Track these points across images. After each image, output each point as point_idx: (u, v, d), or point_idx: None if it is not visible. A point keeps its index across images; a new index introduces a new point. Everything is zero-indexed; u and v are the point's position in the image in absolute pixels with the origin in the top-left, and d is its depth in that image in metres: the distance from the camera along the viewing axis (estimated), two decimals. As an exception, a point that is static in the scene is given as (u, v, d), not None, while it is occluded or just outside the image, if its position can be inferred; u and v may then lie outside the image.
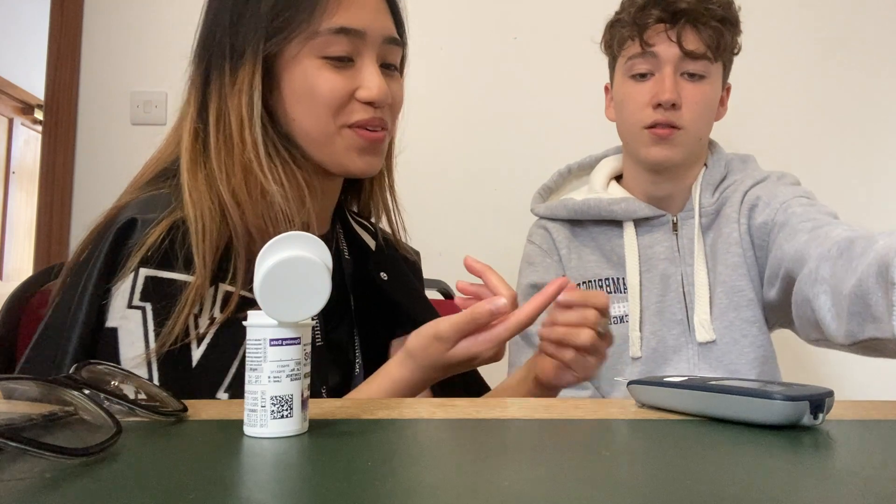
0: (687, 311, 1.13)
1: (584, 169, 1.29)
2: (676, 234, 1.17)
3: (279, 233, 0.72)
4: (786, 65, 1.77)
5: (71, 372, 0.48)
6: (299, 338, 0.47)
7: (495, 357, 0.71)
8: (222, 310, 0.71)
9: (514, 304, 0.71)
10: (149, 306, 0.69)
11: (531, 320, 0.70)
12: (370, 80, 0.78)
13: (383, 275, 0.90)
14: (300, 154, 0.80)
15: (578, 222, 1.22)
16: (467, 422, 0.51)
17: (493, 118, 1.79)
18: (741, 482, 0.35)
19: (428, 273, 1.03)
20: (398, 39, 0.82)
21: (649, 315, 1.14)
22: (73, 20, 1.87)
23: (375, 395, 0.72)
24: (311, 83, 0.77)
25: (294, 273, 0.46)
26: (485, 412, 0.55)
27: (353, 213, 0.94)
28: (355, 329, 0.88)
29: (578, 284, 1.18)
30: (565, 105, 1.77)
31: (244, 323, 0.47)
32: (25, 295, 0.96)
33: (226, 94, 0.77)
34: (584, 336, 0.75)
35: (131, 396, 0.51)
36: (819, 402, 0.48)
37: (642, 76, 1.12)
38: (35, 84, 4.08)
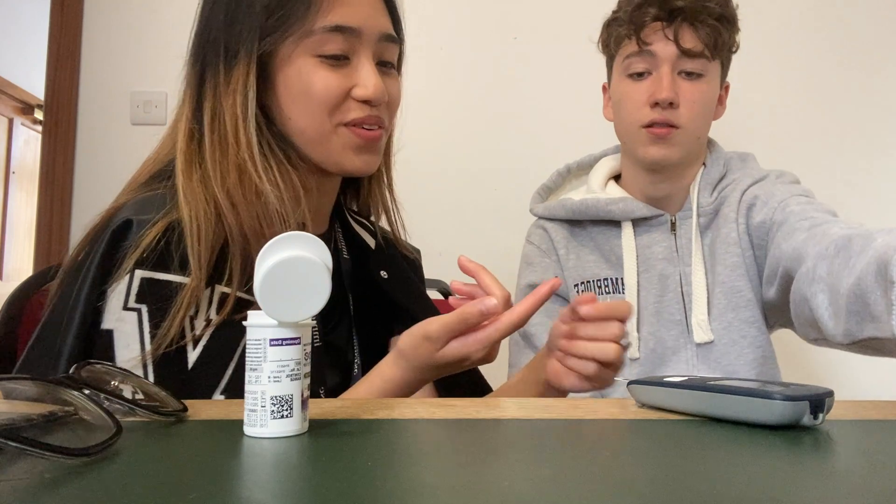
0: (685, 312, 1.12)
1: (584, 168, 1.29)
2: (675, 234, 1.16)
3: (274, 233, 0.71)
4: (785, 63, 1.77)
5: (71, 372, 0.48)
6: (299, 338, 0.47)
7: (487, 358, 0.71)
8: (218, 311, 0.71)
9: (507, 305, 0.71)
10: (144, 308, 0.69)
11: (523, 321, 0.69)
12: (366, 79, 0.77)
13: (383, 273, 0.90)
14: (296, 154, 0.79)
15: (577, 222, 1.21)
16: (467, 422, 0.51)
17: (494, 118, 1.79)
18: (741, 482, 0.35)
19: (428, 273, 1.03)
20: (395, 37, 0.82)
21: (647, 316, 1.14)
22: (73, 20, 1.87)
23: (367, 395, 0.72)
24: (306, 82, 0.76)
25: (294, 273, 0.46)
26: (485, 412, 0.55)
27: (352, 211, 0.94)
28: (354, 329, 0.87)
29: (577, 285, 1.18)
30: (566, 105, 1.77)
31: (244, 323, 0.47)
32: (25, 295, 0.96)
33: (220, 94, 0.76)
34: (610, 351, 0.74)
35: (131, 396, 0.51)
36: (819, 402, 0.48)
37: (639, 75, 1.11)
38: (35, 84, 4.08)
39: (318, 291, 0.47)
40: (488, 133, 1.79)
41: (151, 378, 0.67)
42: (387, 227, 0.95)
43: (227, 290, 0.72)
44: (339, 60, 0.77)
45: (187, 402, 0.53)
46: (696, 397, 0.53)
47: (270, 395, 0.45)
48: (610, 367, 0.76)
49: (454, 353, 0.68)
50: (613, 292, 1.16)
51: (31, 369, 0.68)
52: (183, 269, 0.70)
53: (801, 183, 1.14)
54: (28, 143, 4.51)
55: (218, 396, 0.69)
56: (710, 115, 1.14)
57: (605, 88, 1.22)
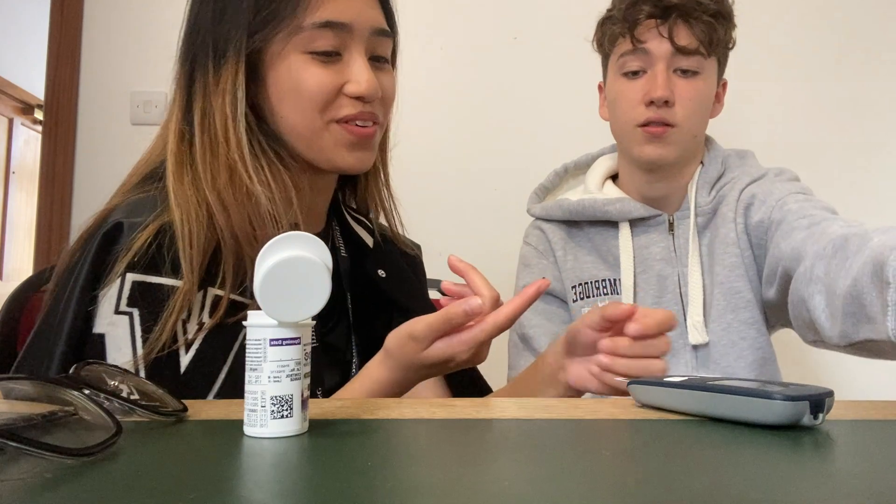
0: (684, 313, 1.11)
1: (581, 168, 1.27)
2: (673, 235, 1.15)
3: (266, 235, 0.72)
4: (784, 60, 1.77)
5: (71, 372, 0.48)
6: (299, 338, 0.47)
7: (474, 360, 0.70)
8: (211, 314, 0.71)
9: (496, 306, 0.69)
10: (136, 312, 0.68)
11: (510, 323, 0.68)
12: (358, 75, 0.76)
13: (381, 272, 0.89)
14: (288, 153, 0.78)
15: (575, 223, 1.20)
16: (467, 422, 0.51)
17: (494, 118, 1.79)
18: (741, 482, 0.35)
19: (428, 273, 1.02)
20: (387, 31, 0.81)
21: None
22: (73, 20, 1.87)
23: (355, 394, 0.71)
24: (296, 79, 0.75)
25: (294, 273, 0.46)
26: (485, 412, 0.55)
27: (350, 209, 0.93)
28: (352, 329, 0.87)
29: (574, 286, 1.17)
30: (566, 105, 1.77)
31: (244, 323, 0.47)
32: (25, 295, 0.96)
33: (210, 94, 0.76)
34: (656, 370, 0.70)
35: (131, 396, 0.51)
36: (819, 402, 0.48)
37: (634, 74, 1.10)
38: (35, 84, 4.08)
39: (318, 291, 0.47)
40: (488, 133, 1.79)
41: None
42: (385, 224, 0.94)
43: (219, 292, 0.71)
44: (330, 57, 0.76)
45: (187, 402, 0.53)
46: (696, 397, 0.53)
47: (270, 395, 0.45)
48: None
49: (439, 353, 0.67)
50: (611, 293, 1.15)
51: (25, 373, 0.68)
52: (175, 272, 0.69)
53: (801, 181, 1.13)
54: (28, 143, 4.51)
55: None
56: (707, 112, 1.13)
57: (600, 88, 1.21)
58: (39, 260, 1.85)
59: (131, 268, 0.69)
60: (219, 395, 0.69)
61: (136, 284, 0.69)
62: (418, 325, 0.67)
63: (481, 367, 0.94)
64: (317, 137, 0.77)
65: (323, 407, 0.57)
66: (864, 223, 0.87)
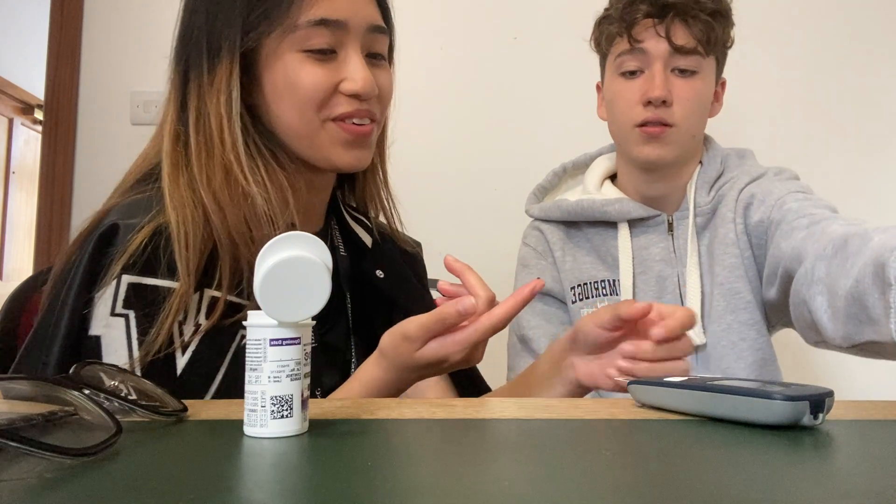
0: None
1: (580, 168, 1.27)
2: (672, 235, 1.14)
3: (262, 236, 0.71)
4: (784, 59, 1.77)
5: (71, 372, 0.48)
6: (299, 338, 0.47)
7: (468, 361, 0.69)
8: (208, 316, 0.70)
9: (491, 306, 0.68)
10: (132, 314, 0.68)
11: (504, 323, 0.67)
12: (355, 72, 0.76)
13: (379, 273, 0.89)
14: (285, 152, 0.78)
15: (573, 223, 1.20)
16: (467, 422, 0.51)
17: (494, 118, 1.79)
18: (741, 482, 0.35)
19: (428, 273, 1.02)
20: (383, 27, 0.80)
21: None
22: (73, 20, 1.87)
23: (351, 395, 0.71)
24: (292, 78, 0.75)
25: (294, 273, 0.46)
26: (485, 412, 0.55)
27: (350, 207, 0.93)
28: (352, 329, 0.87)
29: (573, 287, 1.16)
30: (566, 105, 1.77)
31: (244, 323, 0.47)
32: (25, 295, 0.96)
33: (204, 94, 0.75)
34: (681, 371, 0.68)
35: (131, 396, 0.51)
36: (819, 402, 0.48)
37: (632, 73, 1.09)
38: (35, 84, 4.08)
39: (318, 291, 0.47)
40: (488, 133, 1.79)
41: None
42: (384, 223, 0.94)
43: (216, 294, 0.71)
44: (325, 55, 0.75)
45: (187, 402, 0.53)
46: (696, 397, 0.53)
47: (270, 395, 0.45)
48: None
49: (432, 353, 0.66)
50: (610, 294, 1.14)
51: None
52: (171, 273, 0.69)
53: (800, 179, 1.12)
54: (28, 143, 4.51)
55: None
56: (706, 112, 1.13)
57: (598, 87, 1.21)
58: (39, 260, 1.85)
59: (127, 269, 0.68)
60: (216, 398, 0.69)
61: (131, 286, 0.68)
62: (411, 324, 0.67)
63: (481, 368, 0.94)
64: (313, 136, 0.77)
65: (323, 407, 0.57)
66: (864, 221, 0.86)
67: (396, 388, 0.70)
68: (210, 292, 0.71)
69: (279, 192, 0.75)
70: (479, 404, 0.59)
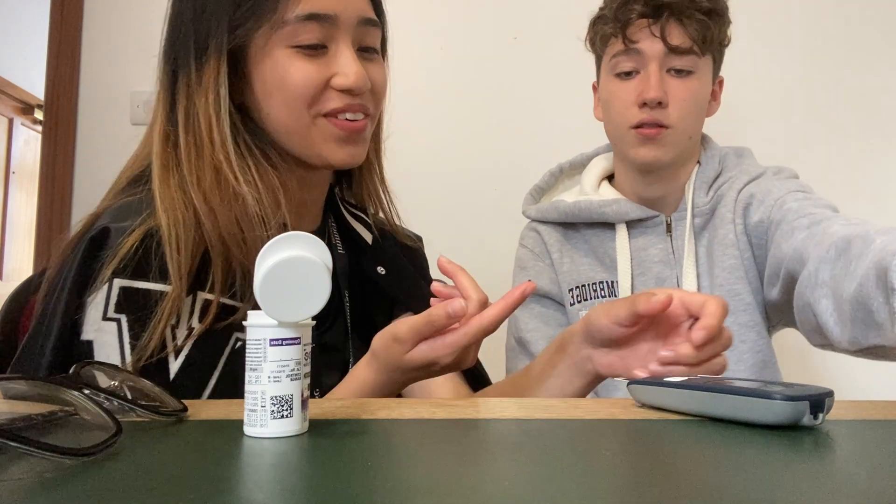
0: None
1: (576, 168, 1.26)
2: (670, 236, 1.13)
3: (254, 237, 0.71)
4: (781, 56, 1.77)
5: (71, 372, 0.48)
6: (299, 338, 0.47)
7: (459, 364, 0.67)
8: (201, 319, 0.70)
9: (483, 308, 0.67)
10: (124, 318, 0.68)
11: (494, 326, 0.66)
12: (346, 67, 0.74)
13: (380, 269, 0.88)
14: (277, 151, 0.77)
15: (570, 225, 1.19)
16: (467, 422, 0.51)
17: (494, 118, 1.79)
18: (741, 482, 0.35)
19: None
20: (375, 20, 0.79)
21: None
22: (73, 20, 1.87)
23: (344, 395, 0.71)
24: (282, 74, 0.74)
25: (294, 273, 0.46)
26: (485, 412, 0.55)
27: (349, 204, 0.92)
28: (350, 328, 0.86)
29: (571, 289, 1.15)
30: (566, 105, 1.76)
31: (244, 323, 0.47)
32: (25, 295, 0.96)
33: (193, 93, 0.74)
34: (720, 368, 0.66)
35: (131, 396, 0.51)
36: (819, 402, 0.48)
37: (627, 74, 1.08)
38: (35, 84, 4.08)
39: (318, 291, 0.47)
40: (488, 133, 1.79)
41: None
42: (383, 218, 0.93)
43: (209, 296, 0.70)
44: (316, 50, 0.74)
45: (187, 402, 0.53)
46: (696, 397, 0.53)
47: (270, 395, 0.45)
48: None
49: (422, 355, 0.65)
50: (609, 296, 1.13)
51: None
52: (163, 277, 0.68)
53: (800, 178, 1.11)
54: (28, 143, 4.51)
55: None
56: (702, 112, 1.11)
57: (594, 88, 1.19)
58: (39, 260, 1.86)
59: (118, 273, 0.68)
60: None
61: (123, 290, 0.68)
62: (402, 326, 0.65)
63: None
64: (305, 133, 0.76)
65: (323, 407, 0.57)
66: (865, 221, 0.85)
67: (388, 389, 0.69)
68: (203, 295, 0.71)
69: (270, 192, 0.74)
70: (479, 404, 0.59)
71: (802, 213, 0.96)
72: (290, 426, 0.46)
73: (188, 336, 0.69)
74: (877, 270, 0.67)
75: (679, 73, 1.06)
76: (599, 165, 1.21)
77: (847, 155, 1.75)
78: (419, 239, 0.99)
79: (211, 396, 0.69)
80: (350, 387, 0.70)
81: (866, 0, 1.77)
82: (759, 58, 1.74)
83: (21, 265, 4.35)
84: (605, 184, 1.20)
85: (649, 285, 1.12)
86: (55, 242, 0.77)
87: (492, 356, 0.96)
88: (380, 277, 0.88)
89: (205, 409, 0.55)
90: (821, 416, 0.48)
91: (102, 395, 0.47)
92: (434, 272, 1.11)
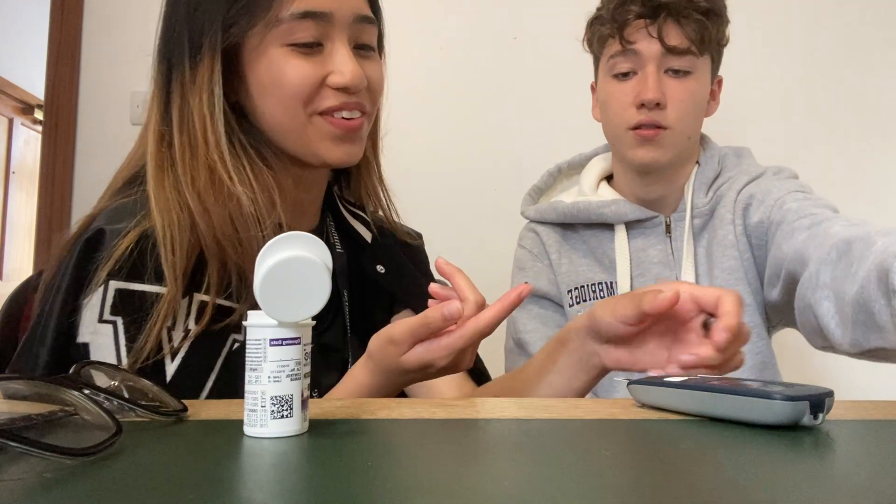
0: None
1: (575, 168, 1.25)
2: (670, 237, 1.13)
3: (249, 237, 0.71)
4: (781, 55, 1.77)
5: (71, 372, 0.48)
6: (299, 338, 0.47)
7: (455, 367, 0.66)
8: (197, 321, 0.69)
9: (480, 310, 0.65)
10: (120, 320, 0.67)
11: (490, 329, 0.65)
12: (342, 65, 0.74)
13: (380, 268, 0.88)
14: (273, 150, 0.77)
15: (569, 225, 1.18)
16: (467, 422, 0.51)
17: (494, 118, 1.79)
18: (741, 482, 0.35)
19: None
20: (371, 17, 0.78)
21: None
22: (73, 20, 1.87)
23: (342, 397, 0.70)
24: (277, 73, 0.73)
25: (294, 273, 0.46)
26: (485, 412, 0.55)
27: (347, 202, 0.92)
28: (349, 327, 0.86)
29: (570, 290, 1.15)
30: (566, 105, 1.76)
31: (244, 323, 0.47)
32: (25, 295, 0.96)
33: (187, 93, 0.73)
34: (738, 365, 0.65)
35: (131, 396, 0.51)
36: (819, 402, 0.48)
37: (625, 75, 1.07)
38: (35, 84, 4.08)
39: (318, 291, 0.47)
40: (489, 133, 1.79)
41: None
42: (382, 216, 0.93)
43: (205, 298, 0.70)
44: (311, 48, 0.73)
45: (187, 402, 0.53)
46: (696, 397, 0.53)
47: (270, 395, 0.45)
48: None
49: (418, 358, 0.64)
50: (608, 297, 1.13)
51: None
52: (158, 278, 0.68)
53: (799, 178, 1.11)
54: (28, 143, 4.51)
55: None
56: (701, 113, 1.11)
57: (593, 88, 1.19)
58: (39, 260, 1.86)
59: (113, 275, 0.67)
60: None
61: (118, 292, 0.68)
62: (397, 328, 0.65)
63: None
64: (301, 132, 0.75)
65: (323, 407, 0.57)
66: (866, 222, 0.85)
67: (385, 391, 0.69)
68: (199, 296, 0.70)
69: (265, 192, 0.73)
70: (479, 404, 0.59)
71: (803, 213, 0.95)
72: (290, 426, 0.46)
73: (185, 338, 0.69)
74: (878, 272, 0.67)
75: (677, 73, 1.06)
76: (598, 166, 1.21)
77: (847, 155, 1.75)
78: (419, 236, 0.99)
79: (208, 398, 0.69)
80: (347, 388, 0.70)
81: (866, 0, 1.77)
82: (759, 58, 1.74)
83: (21, 265, 4.35)
84: (604, 184, 1.19)
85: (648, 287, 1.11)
86: (53, 243, 0.77)
87: (491, 357, 0.96)
88: (379, 276, 0.87)
89: (205, 409, 0.55)
90: (821, 416, 0.48)
91: (102, 395, 0.47)
92: (435, 276, 1.11)
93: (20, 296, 0.95)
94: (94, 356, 0.67)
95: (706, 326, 0.66)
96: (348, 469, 0.37)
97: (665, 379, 0.56)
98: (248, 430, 0.46)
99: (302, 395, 0.47)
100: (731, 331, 0.62)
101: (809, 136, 1.76)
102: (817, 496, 0.33)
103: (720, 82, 1.15)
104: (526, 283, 0.71)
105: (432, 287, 0.71)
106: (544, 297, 1.17)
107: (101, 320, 0.67)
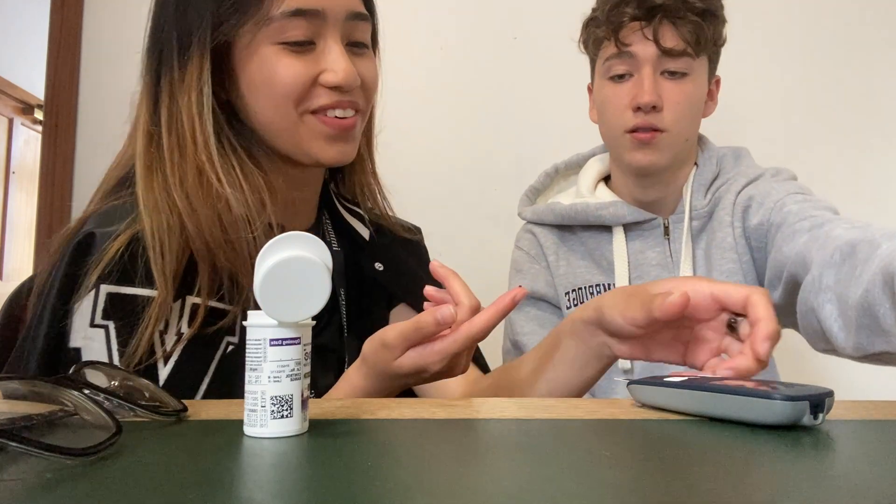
0: None
1: (572, 168, 1.25)
2: (668, 239, 1.12)
3: (239, 239, 0.70)
4: (780, 55, 1.77)
5: (71, 372, 0.48)
6: (299, 338, 0.47)
7: (449, 371, 0.66)
8: (190, 324, 0.69)
9: (475, 314, 0.65)
10: (111, 325, 0.67)
11: (483, 334, 0.64)
12: (335, 63, 0.73)
13: (378, 265, 0.87)
14: (263, 149, 0.76)
15: (567, 227, 1.18)
16: (467, 421, 0.51)
17: (494, 118, 1.79)
18: (741, 482, 0.35)
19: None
20: (364, 14, 0.77)
21: None
22: (73, 20, 1.87)
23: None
24: (269, 72, 0.72)
25: (294, 273, 0.46)
26: (485, 412, 0.55)
27: (345, 200, 0.91)
28: (346, 326, 0.85)
29: (567, 292, 1.15)
30: (566, 105, 1.76)
31: (244, 323, 0.47)
32: (25, 295, 0.96)
33: (176, 92, 0.73)
34: (766, 366, 0.60)
35: (131, 396, 0.51)
36: (819, 402, 0.48)
37: (621, 77, 1.07)
38: (35, 84, 4.08)
39: (318, 291, 0.47)
40: (489, 133, 1.79)
41: None
42: (379, 214, 0.92)
43: (198, 300, 0.69)
44: (303, 46, 0.73)
45: (187, 402, 0.53)
46: (696, 397, 0.53)
47: (270, 395, 0.45)
48: None
49: (411, 362, 0.63)
50: None
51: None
52: (150, 282, 0.67)
53: (798, 179, 1.10)
54: (28, 143, 4.51)
55: None
56: (698, 114, 1.10)
57: (590, 89, 1.19)
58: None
59: (104, 279, 0.67)
60: None
61: (110, 296, 0.67)
62: (390, 332, 0.64)
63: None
64: (293, 131, 0.75)
65: (323, 407, 0.57)
66: (868, 224, 0.85)
67: (380, 395, 0.68)
68: (191, 299, 0.70)
69: (255, 193, 0.72)
70: (479, 404, 0.59)
71: (803, 215, 0.95)
72: (290, 426, 0.46)
73: (177, 341, 0.68)
74: (883, 276, 0.66)
75: (673, 75, 1.05)
76: (595, 167, 1.20)
77: (847, 155, 1.75)
78: (418, 230, 0.98)
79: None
80: (342, 391, 0.69)
81: (866, 0, 1.77)
82: (759, 58, 1.74)
83: (21, 265, 4.35)
84: (602, 186, 1.18)
85: None
86: (46, 244, 0.77)
87: (489, 358, 0.96)
88: (378, 274, 0.87)
89: (205, 408, 0.55)
90: (821, 416, 0.48)
91: (102, 395, 0.47)
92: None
93: (20, 296, 0.95)
94: None
95: (732, 326, 0.64)
96: (348, 469, 0.37)
97: (665, 379, 0.56)
98: (248, 430, 0.46)
99: (302, 395, 0.47)
100: (773, 338, 0.59)
101: (809, 136, 1.75)
102: (817, 496, 0.33)
103: (718, 82, 1.15)
104: (520, 286, 0.70)
105: (427, 290, 0.70)
106: (542, 298, 1.16)
107: (92, 325, 0.67)
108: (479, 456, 0.41)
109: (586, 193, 1.17)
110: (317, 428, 0.48)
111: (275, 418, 0.45)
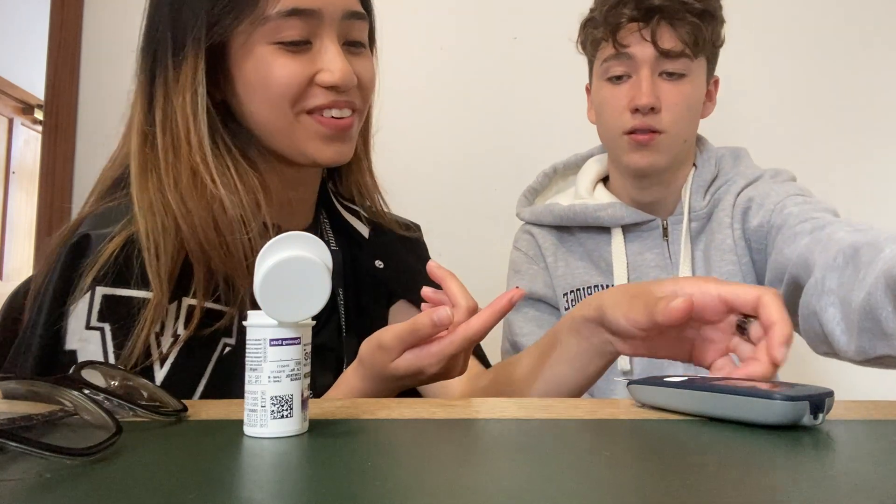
0: None
1: (571, 168, 1.25)
2: (667, 241, 1.12)
3: (233, 240, 0.70)
4: (779, 55, 1.76)
5: (71, 372, 0.48)
6: (299, 338, 0.47)
7: (446, 373, 0.65)
8: (186, 325, 0.68)
9: (472, 315, 0.64)
10: (107, 327, 0.67)
11: (480, 335, 0.63)
12: (331, 63, 0.72)
13: (378, 263, 0.87)
14: (259, 150, 0.76)
15: (566, 228, 1.17)
16: (467, 421, 0.51)
17: (494, 118, 1.79)
18: (741, 482, 0.35)
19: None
20: (361, 13, 0.76)
21: None
22: (73, 20, 1.87)
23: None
24: (264, 72, 0.72)
25: (294, 273, 0.46)
26: (485, 412, 0.55)
27: (343, 198, 0.91)
28: (345, 326, 0.85)
29: (566, 293, 1.14)
30: (566, 105, 1.76)
31: (244, 323, 0.47)
32: (23, 296, 0.95)
33: (170, 92, 0.72)
34: (775, 375, 0.61)
35: (131, 396, 0.51)
36: (819, 402, 0.48)
37: (619, 78, 1.07)
38: (35, 84, 4.09)
39: (318, 291, 0.47)
40: (488, 133, 1.79)
41: None
42: (377, 212, 0.92)
43: (194, 302, 0.69)
44: (299, 46, 0.72)
45: (187, 402, 0.53)
46: (696, 397, 0.53)
47: (270, 395, 0.45)
48: None
49: (408, 364, 0.63)
50: None
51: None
52: (145, 283, 0.67)
53: (797, 181, 1.10)
54: (28, 143, 4.51)
55: None
56: (696, 115, 1.10)
57: (588, 90, 1.18)
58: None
59: (99, 281, 0.67)
60: None
61: (105, 298, 0.67)
62: (387, 334, 0.63)
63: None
64: (289, 131, 0.74)
65: (323, 407, 0.57)
66: (870, 227, 0.84)
67: (377, 397, 0.68)
68: (188, 301, 0.69)
69: (250, 194, 0.72)
70: (479, 404, 0.59)
71: (804, 217, 0.95)
72: (290, 426, 0.46)
73: (174, 343, 0.68)
74: (886, 280, 0.66)
75: (671, 76, 1.05)
76: (594, 168, 1.20)
77: (847, 155, 1.75)
78: (417, 227, 0.97)
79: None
80: (340, 392, 0.69)
81: (866, 0, 1.77)
82: (757, 58, 1.74)
83: (21, 265, 4.35)
84: (601, 187, 1.18)
85: None
86: (45, 244, 0.76)
87: (489, 358, 0.96)
88: (378, 271, 0.86)
89: (205, 409, 0.55)
90: (821, 416, 0.48)
91: (102, 395, 0.47)
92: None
93: (20, 296, 0.95)
94: None
95: (741, 328, 0.63)
96: (348, 469, 0.37)
97: (665, 379, 0.56)
98: (248, 430, 0.46)
99: (302, 395, 0.47)
100: (789, 342, 0.58)
101: (809, 136, 1.75)
102: (817, 496, 0.33)
103: (716, 83, 1.15)
104: (518, 287, 0.70)
105: (424, 291, 0.70)
106: (540, 299, 1.16)
107: (88, 327, 0.67)
108: (478, 456, 0.41)
109: (585, 194, 1.17)
110: (316, 428, 0.48)
111: (275, 418, 0.45)
